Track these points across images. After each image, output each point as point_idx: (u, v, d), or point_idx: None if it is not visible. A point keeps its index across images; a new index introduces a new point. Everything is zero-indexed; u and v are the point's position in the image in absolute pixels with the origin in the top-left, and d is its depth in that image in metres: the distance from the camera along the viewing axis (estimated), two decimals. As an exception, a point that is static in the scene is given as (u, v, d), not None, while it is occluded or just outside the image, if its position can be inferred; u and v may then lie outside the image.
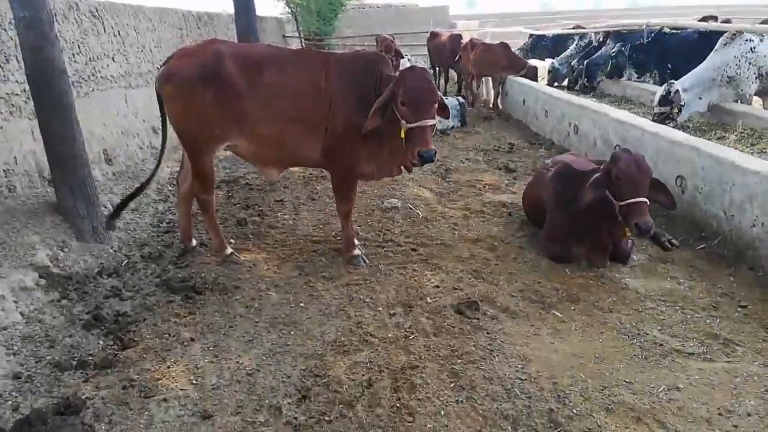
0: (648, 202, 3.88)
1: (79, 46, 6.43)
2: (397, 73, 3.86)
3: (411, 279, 4.17)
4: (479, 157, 7.94)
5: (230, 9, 12.15)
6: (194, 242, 4.72)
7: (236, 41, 11.59)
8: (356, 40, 24.51)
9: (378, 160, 4.27)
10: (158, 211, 5.79)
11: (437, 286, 4.05)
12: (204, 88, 3.96)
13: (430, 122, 3.77)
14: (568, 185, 4.45)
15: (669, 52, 9.96)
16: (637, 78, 10.11)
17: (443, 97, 4.04)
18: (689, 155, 5.05)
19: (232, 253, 4.52)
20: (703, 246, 4.60)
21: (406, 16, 32.68)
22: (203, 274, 4.25)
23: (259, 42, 11.60)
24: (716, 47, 7.28)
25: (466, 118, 10.21)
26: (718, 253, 4.47)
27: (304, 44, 18.55)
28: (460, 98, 10.35)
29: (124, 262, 4.52)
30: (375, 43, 13.62)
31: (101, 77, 6.88)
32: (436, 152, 3.75)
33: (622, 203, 3.86)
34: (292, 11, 17.96)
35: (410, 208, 5.73)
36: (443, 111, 4.08)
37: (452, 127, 10.07)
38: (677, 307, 3.78)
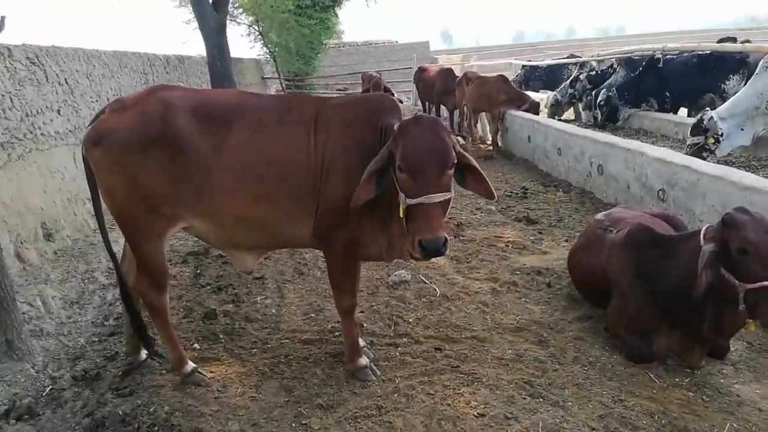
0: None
1: (11, 100, 5.31)
2: (397, 125, 2.77)
3: (443, 403, 3.00)
4: (492, 206, 6.85)
5: (204, 52, 11.18)
6: (143, 355, 3.52)
7: (210, 86, 10.61)
8: (337, 78, 23.80)
9: (389, 237, 3.14)
10: (106, 301, 4.58)
11: (481, 415, 2.88)
12: (146, 154, 2.84)
13: (438, 197, 2.61)
14: (649, 256, 3.36)
15: (666, 79, 9.13)
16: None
17: (465, 155, 2.88)
18: (776, 205, 4.00)
19: (194, 370, 3.32)
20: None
21: (387, 54, 32.22)
22: (152, 408, 3.04)
23: (235, 86, 10.58)
24: (757, 71, 6.35)
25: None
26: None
27: (283, 85, 17.64)
28: (459, 138, 9.28)
29: (47, 389, 3.31)
30: (361, 81, 12.70)
31: (42, 134, 5.75)
32: (446, 241, 2.62)
33: (753, 286, 2.75)
34: (270, 52, 17.09)
35: (424, 282, 4.59)
36: (479, 182, 2.93)
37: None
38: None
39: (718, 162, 6.46)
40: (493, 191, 2.96)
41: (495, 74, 11.18)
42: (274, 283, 4.77)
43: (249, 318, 4.14)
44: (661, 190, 5.43)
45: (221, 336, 3.90)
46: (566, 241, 5.50)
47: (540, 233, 5.81)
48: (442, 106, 13.00)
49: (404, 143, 2.64)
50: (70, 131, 6.33)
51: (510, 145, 10.41)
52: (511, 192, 7.46)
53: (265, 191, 2.99)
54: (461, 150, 2.85)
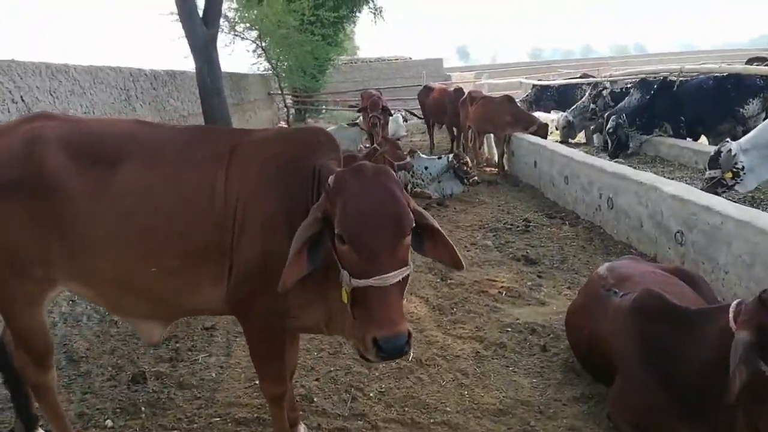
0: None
1: (-54, 119, 4.76)
2: (331, 178, 2.09)
3: None
4: (488, 241, 6.16)
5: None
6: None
7: (200, 103, 10.08)
8: (348, 95, 23.29)
9: (328, 305, 2.47)
10: None
11: None
12: (5, 201, 2.22)
13: (395, 277, 1.95)
14: (661, 332, 2.67)
15: (680, 103, 8.41)
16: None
17: (424, 214, 2.20)
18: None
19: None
20: None
21: (399, 70, 31.75)
22: None
23: (225, 103, 10.04)
24: (788, 95, 5.63)
25: (465, 181, 8.49)
26: None
27: (286, 101, 17.13)
28: (458, 158, 8.52)
29: None
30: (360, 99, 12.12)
31: (-13, 157, 5.19)
32: (410, 337, 1.95)
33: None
34: (273, 68, 16.63)
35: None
36: (442, 248, 2.24)
37: (450, 194, 8.37)
38: None
39: (744, 200, 5.76)
40: (461, 259, 2.28)
41: (501, 94, 10.53)
42: (224, 336, 4.12)
43: (182, 384, 3.49)
44: (678, 232, 4.71)
45: (143, 408, 3.24)
46: (569, 288, 4.79)
47: (540, 276, 5.10)
48: (454, 129, 12.29)
49: (344, 205, 1.97)
50: (24, 153, 5.77)
51: (516, 170, 9.72)
52: (511, 224, 6.76)
53: (154, 249, 2.34)
54: (417, 207, 2.19)
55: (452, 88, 12.44)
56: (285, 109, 16.94)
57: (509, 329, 4.04)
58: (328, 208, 2.05)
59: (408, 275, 2.04)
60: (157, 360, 3.78)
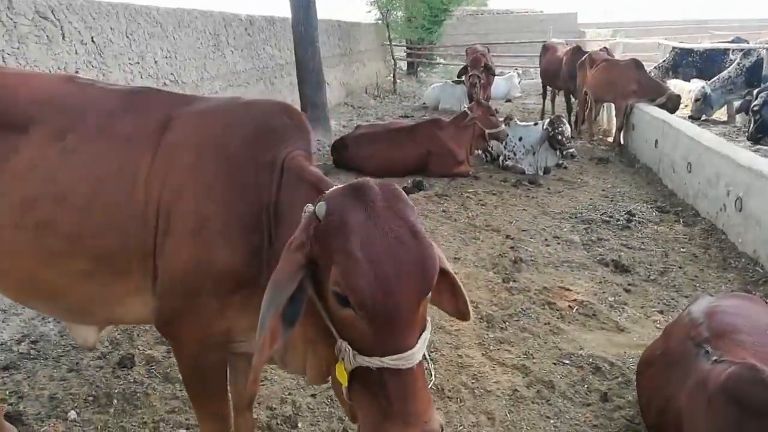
0: None
1: (3, 59, 4.64)
2: (322, 206, 1.40)
3: None
4: (576, 235, 5.19)
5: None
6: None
7: (294, 52, 9.66)
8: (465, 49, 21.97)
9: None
10: None
11: None
12: None
13: (419, 352, 1.36)
14: (759, 418, 1.81)
15: None
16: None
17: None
18: None
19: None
20: None
21: (528, 24, 29.55)
22: None
23: (318, 54, 9.51)
24: None
25: (564, 155, 7.39)
26: None
27: (394, 54, 16.35)
28: (554, 125, 7.32)
29: None
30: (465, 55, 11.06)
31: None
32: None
33: None
34: (383, 17, 15.83)
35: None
36: (449, 296, 1.69)
37: (545, 169, 7.33)
38: None
39: None
40: (469, 310, 1.68)
41: (628, 57, 9.06)
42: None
43: (168, 376, 3.09)
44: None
45: (115, 401, 2.89)
46: (661, 312, 3.81)
47: (628, 290, 4.13)
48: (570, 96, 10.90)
49: (348, 250, 1.30)
50: (91, 97, 5.64)
51: (634, 148, 8.38)
52: (611, 216, 5.69)
53: (60, 248, 1.84)
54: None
55: (570, 47, 10.97)
56: (392, 62, 16.15)
57: (566, 361, 3.21)
58: (316, 250, 1.39)
59: (426, 356, 1.42)
60: (156, 341, 3.42)
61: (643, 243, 5.03)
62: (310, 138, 1.90)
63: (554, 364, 3.19)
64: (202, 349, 1.92)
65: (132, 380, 3.07)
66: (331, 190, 1.49)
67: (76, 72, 5.45)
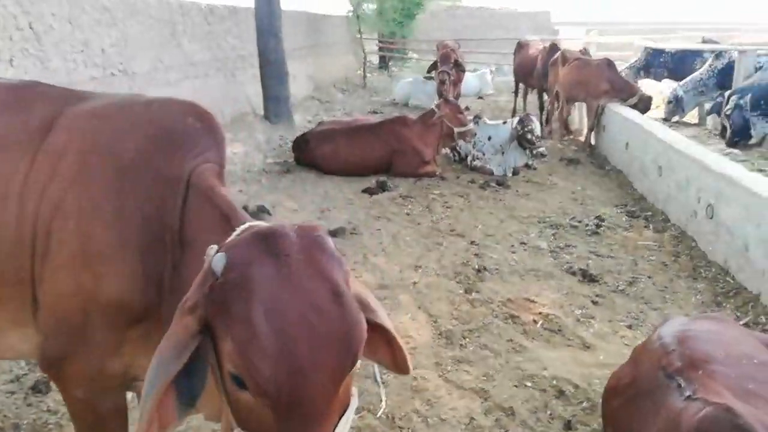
0: None
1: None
2: (220, 258, 1.08)
3: None
4: (543, 242, 4.97)
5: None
6: None
7: (256, 45, 9.27)
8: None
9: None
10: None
11: None
12: None
13: None
14: None
15: None
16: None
17: (370, 305, 1.19)
18: None
19: None
20: None
21: (502, 21, 29.46)
22: None
23: (281, 46, 9.14)
24: None
25: (534, 154, 7.16)
26: None
27: (365, 48, 16.01)
28: (523, 123, 7.07)
29: None
30: (435, 50, 10.78)
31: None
32: None
33: None
34: (353, 8, 15.46)
35: (374, 375, 2.96)
36: (386, 349, 1.37)
37: (513, 169, 7.11)
38: None
39: None
40: (408, 366, 1.42)
41: (600, 56, 8.90)
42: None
43: (84, 405, 2.75)
44: (801, 271, 3.35)
45: (19, 437, 2.54)
46: (630, 327, 3.59)
47: (595, 302, 3.91)
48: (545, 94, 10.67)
49: (249, 325, 1.00)
50: (27, 86, 5.20)
51: (605, 149, 8.23)
52: (580, 221, 5.48)
53: None
54: (361, 292, 1.26)
55: (544, 45, 10.78)
56: (363, 56, 15.80)
57: (529, 384, 2.96)
58: (211, 314, 1.07)
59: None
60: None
61: (612, 250, 4.83)
62: (224, 146, 1.60)
63: (515, 386, 2.94)
64: (95, 393, 1.61)
65: (45, 408, 2.72)
66: (235, 235, 1.19)
67: (10, 60, 5.02)
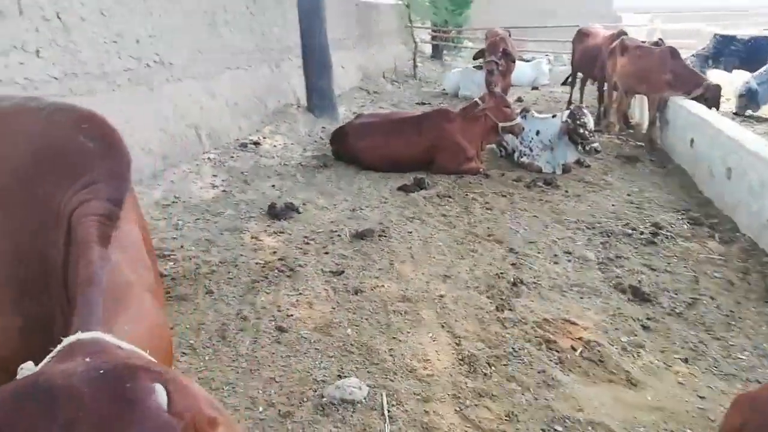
0: None
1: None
2: None
3: None
4: (590, 251, 4.48)
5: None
6: None
7: (299, 28, 8.99)
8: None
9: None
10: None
11: None
12: None
13: None
14: None
15: None
16: None
17: None
18: None
19: None
20: None
21: (561, 8, 28.25)
22: None
23: (324, 27, 8.82)
24: None
25: (586, 150, 6.54)
26: None
27: (415, 38, 15.56)
28: (574, 116, 6.49)
29: None
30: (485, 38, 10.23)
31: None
32: None
33: None
34: (402, -3, 15.00)
35: (380, 411, 2.62)
36: None
37: (564, 166, 6.60)
38: None
39: None
40: None
41: (664, 44, 8.16)
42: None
43: None
44: None
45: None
46: (685, 360, 3.10)
47: (646, 326, 3.43)
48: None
49: None
50: (55, 78, 5.11)
51: (668, 146, 7.56)
52: (634, 228, 4.95)
53: None
54: None
55: (611, 33, 9.97)
56: (413, 45, 15.34)
57: (559, 429, 2.55)
58: None
59: None
60: None
61: (669, 264, 4.30)
62: (126, 174, 1.27)
63: (542, 431, 2.54)
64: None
65: None
66: (50, 357, 0.87)
67: (37, 51, 4.92)
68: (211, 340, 3.09)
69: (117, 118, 5.70)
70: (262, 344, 3.06)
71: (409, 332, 3.25)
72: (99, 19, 5.63)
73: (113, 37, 5.82)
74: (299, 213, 5.14)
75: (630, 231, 4.89)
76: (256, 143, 7.46)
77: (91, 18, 5.52)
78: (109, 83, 5.75)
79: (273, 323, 3.26)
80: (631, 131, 8.89)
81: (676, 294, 3.82)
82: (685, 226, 5.03)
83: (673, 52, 7.59)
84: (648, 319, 3.52)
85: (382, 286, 3.78)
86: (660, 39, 9.64)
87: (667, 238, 4.76)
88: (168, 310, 3.37)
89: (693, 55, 10.31)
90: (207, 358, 2.94)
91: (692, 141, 6.45)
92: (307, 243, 4.48)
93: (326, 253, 4.30)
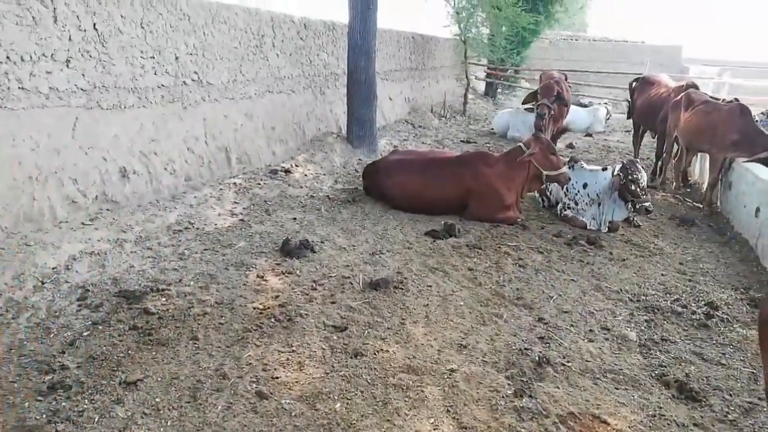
0: None
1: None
2: None
3: None
4: (631, 330, 3.94)
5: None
6: None
7: (346, 61, 8.80)
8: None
9: None
10: None
11: None
12: None
13: None
14: None
15: None
16: None
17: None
18: None
19: None
20: None
21: (625, 54, 27.58)
22: None
23: (373, 66, 8.59)
24: None
25: (637, 209, 5.91)
26: None
27: (468, 74, 15.24)
28: (626, 170, 5.86)
29: None
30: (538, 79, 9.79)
31: (21, 89, 4.42)
32: None
33: None
34: (461, 33, 14.71)
35: None
36: None
37: (610, 228, 6.06)
38: None
39: None
40: None
41: (731, 100, 7.55)
42: (152, 395, 2.74)
43: None
44: None
45: None
46: (738, 488, 2.54)
47: (692, 435, 2.88)
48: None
49: None
50: (82, 89, 4.97)
51: (728, 212, 6.90)
52: (685, 306, 4.37)
53: None
54: None
55: (675, 84, 9.32)
56: (467, 81, 15.00)
57: None
58: None
59: None
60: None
61: (724, 354, 3.72)
62: None
63: None
64: None
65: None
66: None
67: (66, 61, 4.79)
68: (179, 401, 2.72)
69: (142, 135, 5.58)
70: (236, 412, 2.67)
71: (407, 414, 2.81)
72: (138, 32, 5.51)
73: (151, 52, 5.69)
74: (314, 252, 4.78)
75: (680, 309, 4.32)
76: (287, 171, 7.21)
77: (129, 30, 5.40)
78: (140, 98, 5.60)
79: (254, 386, 2.88)
80: (689, 191, 8.24)
81: (730, 395, 3.25)
82: (745, 309, 4.42)
83: (743, 110, 6.98)
84: (695, 425, 2.97)
85: (387, 350, 3.35)
86: (735, 99, 8.86)
87: (722, 321, 4.17)
88: (143, 357, 3.03)
89: (763, 113, 9.56)
90: (169, 423, 2.56)
91: (758, 210, 5.81)
92: (315, 288, 4.10)
93: (333, 302, 3.91)
